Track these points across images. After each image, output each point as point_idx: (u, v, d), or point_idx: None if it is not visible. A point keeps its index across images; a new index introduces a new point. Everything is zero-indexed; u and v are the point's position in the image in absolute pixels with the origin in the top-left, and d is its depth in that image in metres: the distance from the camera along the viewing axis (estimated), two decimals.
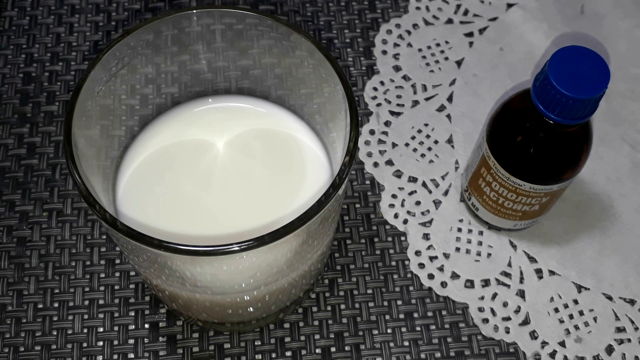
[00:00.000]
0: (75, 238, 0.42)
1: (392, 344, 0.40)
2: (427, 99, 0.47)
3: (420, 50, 0.49)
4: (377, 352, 0.40)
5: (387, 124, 0.46)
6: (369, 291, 0.41)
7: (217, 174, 0.38)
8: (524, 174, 0.37)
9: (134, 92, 0.38)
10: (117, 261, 0.42)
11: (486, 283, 0.41)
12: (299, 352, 0.40)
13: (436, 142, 0.45)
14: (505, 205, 0.39)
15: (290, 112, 0.40)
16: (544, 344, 0.40)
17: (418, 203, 0.44)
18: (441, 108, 0.47)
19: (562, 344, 0.40)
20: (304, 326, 0.40)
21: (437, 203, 0.44)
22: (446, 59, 0.48)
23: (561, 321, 0.40)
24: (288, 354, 0.39)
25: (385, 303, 0.41)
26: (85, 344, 0.39)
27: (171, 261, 0.32)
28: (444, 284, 0.41)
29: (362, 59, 0.48)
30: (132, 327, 0.40)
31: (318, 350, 0.40)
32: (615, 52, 0.48)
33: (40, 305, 0.40)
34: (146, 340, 0.40)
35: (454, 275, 0.42)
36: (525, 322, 0.40)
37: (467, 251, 0.42)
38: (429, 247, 0.42)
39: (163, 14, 0.36)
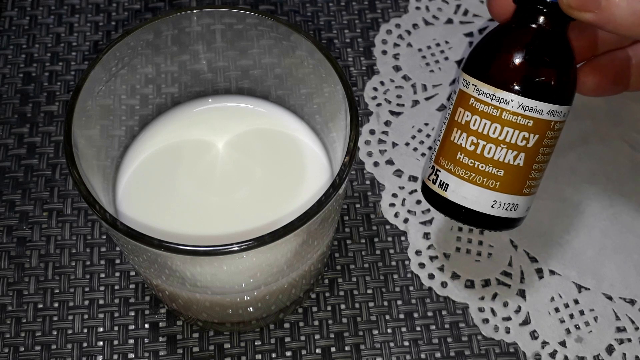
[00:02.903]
0: (75, 238, 0.42)
1: (392, 344, 0.40)
2: (427, 99, 0.47)
3: (420, 50, 0.49)
4: (377, 352, 0.40)
5: (387, 123, 0.46)
6: (369, 291, 0.41)
7: (217, 174, 0.38)
8: (511, 81, 0.33)
9: (134, 92, 0.38)
10: (117, 261, 0.42)
11: (486, 283, 0.41)
12: (299, 352, 0.40)
13: None
14: (485, 155, 0.33)
15: (290, 112, 0.40)
16: (545, 343, 0.40)
17: (419, 202, 0.44)
18: (441, 107, 0.47)
19: (563, 343, 0.40)
20: (304, 326, 0.40)
21: None
22: (446, 59, 0.48)
23: (562, 321, 0.40)
24: (288, 354, 0.39)
25: (385, 303, 0.41)
26: (85, 344, 0.39)
27: (171, 261, 0.32)
28: (444, 284, 0.41)
29: (362, 59, 0.48)
30: (132, 327, 0.40)
31: (318, 350, 0.40)
32: None
33: (40, 305, 0.40)
34: (146, 340, 0.40)
35: (454, 275, 0.42)
36: (526, 322, 0.40)
37: (468, 251, 0.42)
38: (430, 247, 0.42)
39: (163, 14, 0.36)
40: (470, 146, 0.33)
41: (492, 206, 0.34)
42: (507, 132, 0.33)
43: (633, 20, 0.29)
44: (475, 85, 0.33)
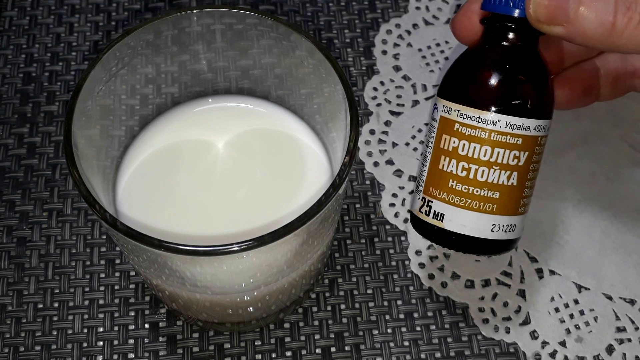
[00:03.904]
0: (75, 238, 0.42)
1: (392, 344, 0.40)
2: (427, 99, 0.47)
3: (420, 50, 0.49)
4: (377, 352, 0.40)
5: (387, 123, 0.46)
6: (369, 291, 0.41)
7: (217, 174, 0.38)
8: (496, 102, 0.32)
9: (134, 92, 0.38)
10: (117, 261, 0.42)
11: (486, 283, 0.41)
12: (299, 352, 0.40)
13: None
14: (479, 179, 0.33)
15: (290, 112, 0.40)
16: (545, 343, 0.40)
17: None
18: None
19: (563, 343, 0.40)
20: (304, 326, 0.40)
21: None
22: (446, 59, 0.48)
23: (562, 321, 0.40)
24: (288, 354, 0.39)
25: (385, 303, 0.41)
26: (85, 344, 0.39)
27: (171, 261, 0.32)
28: (444, 284, 0.41)
29: (362, 59, 0.49)
30: (132, 327, 0.40)
31: (318, 350, 0.40)
32: None
33: (40, 305, 0.40)
34: (146, 340, 0.40)
35: (454, 275, 0.42)
36: (526, 322, 0.40)
37: None
38: (430, 247, 0.42)
39: (163, 14, 0.36)
40: (461, 172, 0.33)
41: (491, 230, 0.33)
42: (498, 152, 0.32)
43: (602, 32, 0.29)
44: (459, 110, 0.33)
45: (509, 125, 0.32)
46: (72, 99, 0.33)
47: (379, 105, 0.47)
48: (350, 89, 0.33)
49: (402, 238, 0.43)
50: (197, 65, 0.39)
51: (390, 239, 0.43)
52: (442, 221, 0.33)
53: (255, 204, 0.37)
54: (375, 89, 0.47)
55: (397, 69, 0.48)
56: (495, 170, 0.33)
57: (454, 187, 0.33)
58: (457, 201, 0.33)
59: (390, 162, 0.45)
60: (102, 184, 0.36)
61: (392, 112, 0.47)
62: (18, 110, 0.46)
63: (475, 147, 0.33)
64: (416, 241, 0.42)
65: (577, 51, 0.37)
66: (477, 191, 0.33)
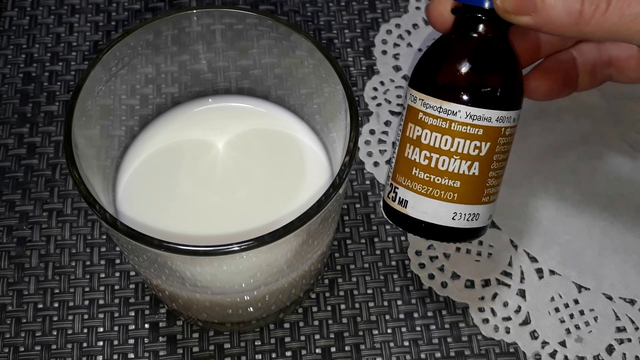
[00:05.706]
0: (75, 238, 0.42)
1: (392, 344, 0.40)
2: None
3: (420, 50, 0.49)
4: (377, 352, 0.40)
5: (387, 123, 0.46)
6: (369, 291, 0.41)
7: (217, 174, 0.38)
8: (456, 92, 0.32)
9: (134, 92, 0.38)
10: (117, 261, 0.42)
11: (486, 283, 0.41)
12: (299, 352, 0.40)
13: None
14: (440, 168, 0.33)
15: (290, 112, 0.40)
16: (545, 343, 0.40)
17: None
18: None
19: (563, 343, 0.40)
20: (304, 326, 0.40)
21: None
22: None
23: (562, 321, 0.40)
24: (288, 354, 0.39)
25: (385, 303, 0.41)
26: (85, 344, 0.39)
27: (171, 261, 0.32)
28: (444, 284, 0.41)
29: (362, 59, 0.49)
30: (132, 327, 0.40)
31: (318, 350, 0.40)
32: None
33: (40, 305, 0.40)
34: (146, 340, 0.40)
35: (454, 275, 0.42)
36: (526, 322, 0.40)
37: (468, 251, 0.42)
38: (430, 247, 0.42)
39: (163, 14, 0.36)
40: (424, 160, 0.33)
41: (452, 218, 0.33)
42: (459, 143, 0.33)
43: (570, 20, 0.29)
44: (422, 100, 0.33)
45: (468, 116, 0.32)
46: (72, 99, 0.33)
47: (379, 105, 0.47)
48: (350, 89, 0.33)
49: (402, 238, 0.43)
50: (197, 65, 0.39)
51: (390, 239, 0.43)
52: (405, 207, 0.34)
53: (255, 204, 0.37)
54: (375, 89, 0.47)
55: (397, 69, 0.48)
56: (455, 159, 0.33)
57: (417, 175, 0.34)
58: (419, 189, 0.34)
59: (390, 162, 0.45)
60: (102, 184, 0.36)
61: (392, 112, 0.47)
62: (18, 110, 0.46)
63: (437, 137, 0.33)
64: (416, 241, 0.42)
65: (554, 40, 0.36)
66: (438, 180, 0.33)
